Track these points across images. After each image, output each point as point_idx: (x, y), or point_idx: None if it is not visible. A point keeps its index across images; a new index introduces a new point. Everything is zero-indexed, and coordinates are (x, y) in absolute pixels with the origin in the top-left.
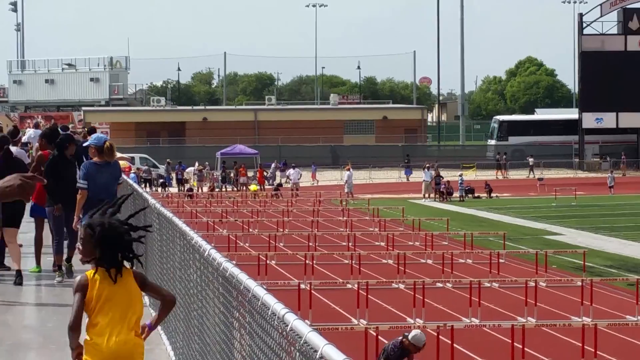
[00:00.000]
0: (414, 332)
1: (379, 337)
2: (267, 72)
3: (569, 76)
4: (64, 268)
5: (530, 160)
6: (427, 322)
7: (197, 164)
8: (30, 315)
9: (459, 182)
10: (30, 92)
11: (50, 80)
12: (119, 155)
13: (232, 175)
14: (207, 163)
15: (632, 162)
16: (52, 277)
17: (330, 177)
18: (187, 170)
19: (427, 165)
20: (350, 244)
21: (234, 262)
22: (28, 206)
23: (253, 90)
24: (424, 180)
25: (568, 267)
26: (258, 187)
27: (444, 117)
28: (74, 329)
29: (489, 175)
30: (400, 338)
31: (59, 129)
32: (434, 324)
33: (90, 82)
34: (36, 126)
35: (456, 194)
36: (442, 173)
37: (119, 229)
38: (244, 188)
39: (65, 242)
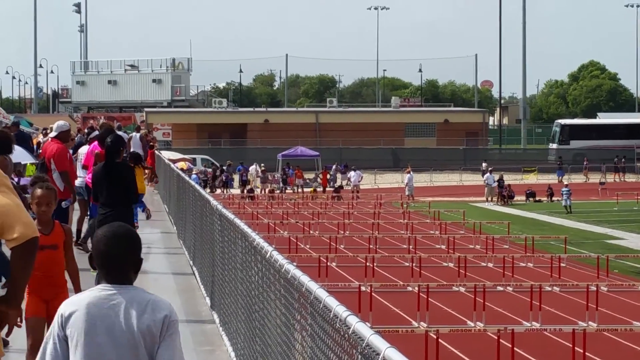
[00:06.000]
0: None
1: (440, 340)
2: (329, 75)
3: (631, 80)
4: None
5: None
6: (487, 326)
7: (255, 165)
8: None
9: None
10: (93, 93)
11: (113, 81)
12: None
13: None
14: (263, 165)
15: None
16: None
17: (391, 180)
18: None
19: (490, 168)
20: (410, 246)
21: (295, 263)
22: None
23: (314, 92)
24: (487, 184)
25: (630, 272)
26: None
27: (505, 121)
28: None
29: (551, 179)
30: None
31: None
32: (494, 327)
33: (152, 83)
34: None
35: (518, 198)
36: (504, 176)
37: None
38: (300, 190)
39: None
